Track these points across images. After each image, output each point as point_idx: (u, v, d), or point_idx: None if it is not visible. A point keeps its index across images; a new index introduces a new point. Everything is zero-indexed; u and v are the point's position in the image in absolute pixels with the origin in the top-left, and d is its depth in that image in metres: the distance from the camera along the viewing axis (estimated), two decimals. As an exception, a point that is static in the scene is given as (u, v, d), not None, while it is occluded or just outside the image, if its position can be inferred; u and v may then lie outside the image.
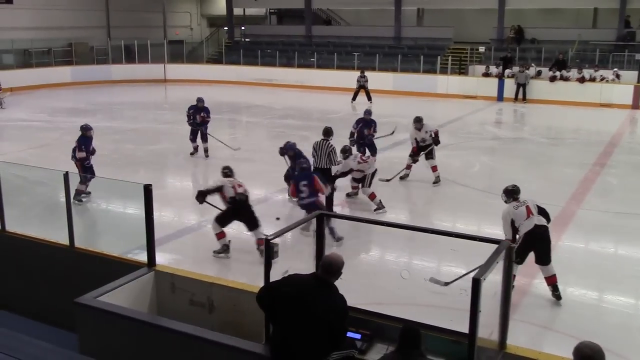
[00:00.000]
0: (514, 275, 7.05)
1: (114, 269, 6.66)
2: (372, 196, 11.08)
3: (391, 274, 8.01)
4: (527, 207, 7.52)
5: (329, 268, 4.44)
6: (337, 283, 4.48)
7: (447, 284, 7.17)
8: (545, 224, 7.50)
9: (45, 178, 10.92)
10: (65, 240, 7.38)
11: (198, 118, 14.90)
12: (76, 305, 5.69)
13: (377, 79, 26.61)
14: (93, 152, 11.35)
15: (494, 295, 4.65)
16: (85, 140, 11.27)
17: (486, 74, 27.14)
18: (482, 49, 29.46)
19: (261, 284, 4.82)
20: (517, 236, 7.54)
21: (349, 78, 26.64)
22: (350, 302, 4.57)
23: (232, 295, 6.03)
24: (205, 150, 15.05)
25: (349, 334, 4.67)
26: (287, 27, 38.70)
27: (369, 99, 24.60)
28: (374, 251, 9.61)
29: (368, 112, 13.88)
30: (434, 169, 12.70)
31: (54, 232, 7.81)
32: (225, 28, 38.09)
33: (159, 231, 7.06)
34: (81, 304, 5.68)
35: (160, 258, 6.96)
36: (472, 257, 4.89)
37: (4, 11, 29.25)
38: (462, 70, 29.02)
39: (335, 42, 33.41)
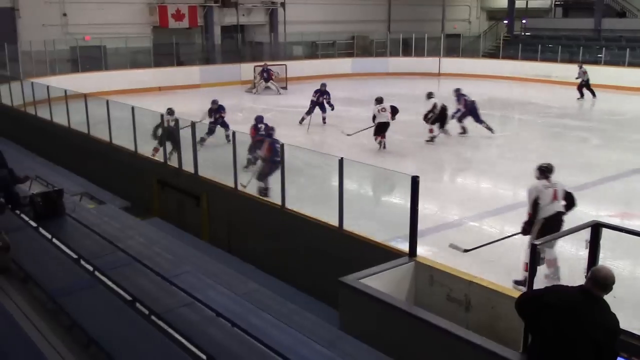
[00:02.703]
0: (555, 259, 7.21)
1: (376, 254, 6.91)
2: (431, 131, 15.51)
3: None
4: (555, 191, 7.37)
5: (602, 282, 4.03)
6: (609, 301, 4.06)
7: (466, 250, 7.28)
8: (564, 210, 7.35)
9: (321, 162, 11.75)
10: (334, 222, 7.85)
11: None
12: (340, 284, 6.02)
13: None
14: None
15: None
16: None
17: None
18: None
19: (523, 289, 4.58)
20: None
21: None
22: (623, 324, 4.11)
23: (491, 296, 5.85)
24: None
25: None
26: (573, 20, 36.17)
27: (586, 94, 23.18)
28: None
29: (324, 85, 18.73)
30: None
31: (324, 213, 8.37)
32: (505, 21, 36.99)
33: (420, 223, 7.14)
34: (344, 284, 5.99)
35: (420, 249, 7.03)
36: None
37: (297, 6, 32.25)
38: None
39: (629, 37, 30.33)
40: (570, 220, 8.50)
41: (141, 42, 26.93)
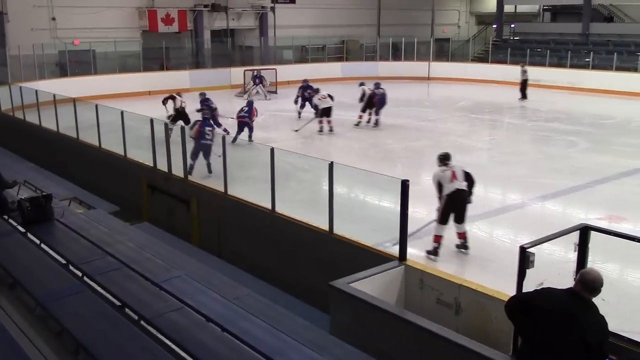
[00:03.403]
0: (440, 237, 8.23)
1: (366, 258, 6.91)
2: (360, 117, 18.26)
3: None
4: (453, 172, 8.34)
5: (591, 285, 4.06)
6: (598, 303, 4.08)
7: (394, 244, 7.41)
8: (465, 188, 8.27)
9: (311, 166, 11.75)
10: (325, 226, 7.84)
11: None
12: (330, 288, 6.01)
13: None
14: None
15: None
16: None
17: None
18: None
19: (513, 292, 4.61)
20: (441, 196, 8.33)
21: (630, 80, 24.20)
22: (612, 326, 4.13)
23: (481, 300, 5.87)
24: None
25: (609, 362, 4.24)
26: (562, 24, 36.41)
27: (523, 96, 24.23)
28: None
29: (305, 81, 19.99)
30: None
31: (315, 217, 8.36)
32: (494, 26, 37.20)
33: (411, 226, 7.16)
34: (335, 288, 5.99)
35: (410, 253, 7.04)
36: None
37: (287, 11, 32.31)
38: None
39: (616, 41, 30.58)
40: (559, 223, 8.56)
41: (130, 46, 26.82)
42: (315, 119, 17.42)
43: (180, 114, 15.93)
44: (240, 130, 15.21)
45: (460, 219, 8.32)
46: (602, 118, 20.99)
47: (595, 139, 16.80)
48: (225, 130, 16.48)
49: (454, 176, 8.35)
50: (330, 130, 17.25)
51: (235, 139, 14.77)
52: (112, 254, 6.41)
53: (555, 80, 28.35)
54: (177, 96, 16.54)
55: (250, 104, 15.84)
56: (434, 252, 8.25)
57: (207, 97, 16.74)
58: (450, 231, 8.46)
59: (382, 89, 18.53)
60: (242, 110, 15.52)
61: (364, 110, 18.31)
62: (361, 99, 18.30)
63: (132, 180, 12.70)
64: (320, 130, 17.21)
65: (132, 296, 5.33)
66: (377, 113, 18.31)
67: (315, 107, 17.64)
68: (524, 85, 24.49)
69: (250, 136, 15.27)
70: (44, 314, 5.07)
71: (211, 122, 13.09)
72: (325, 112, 17.19)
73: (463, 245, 8.46)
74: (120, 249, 6.64)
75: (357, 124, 18.28)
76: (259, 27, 32.38)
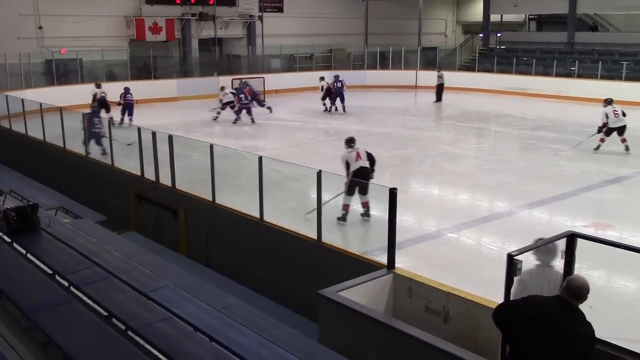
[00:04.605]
0: (348, 205, 9.72)
1: (355, 266, 6.91)
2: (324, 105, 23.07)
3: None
4: (357, 153, 10.02)
5: (577, 292, 4.08)
6: (584, 310, 4.10)
7: (308, 213, 8.59)
8: (368, 166, 9.97)
9: (299, 174, 11.75)
10: (313, 234, 7.83)
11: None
12: (319, 297, 6.00)
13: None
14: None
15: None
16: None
17: None
18: None
19: (500, 299, 4.62)
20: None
21: (615, 89, 24.35)
22: (599, 333, 4.15)
23: (469, 307, 5.88)
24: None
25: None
26: (547, 33, 36.75)
27: (438, 99, 26.54)
28: (633, 281, 8.62)
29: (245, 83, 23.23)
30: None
31: (303, 226, 8.36)
32: (481, 35, 37.48)
33: (399, 235, 7.17)
34: (323, 296, 5.98)
35: (399, 261, 7.04)
36: None
37: (274, 20, 32.40)
38: None
39: (601, 50, 30.89)
40: (546, 231, 8.61)
41: (118, 55, 26.75)
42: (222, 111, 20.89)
43: (101, 104, 18.34)
44: (248, 113, 20.38)
45: (363, 191, 9.77)
46: (587, 126, 21.10)
47: (580, 147, 16.92)
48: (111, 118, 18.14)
49: (358, 156, 9.99)
50: (235, 122, 20.52)
51: (253, 120, 20.40)
52: (99, 263, 6.35)
53: (541, 89, 28.62)
54: (97, 89, 19.78)
55: (240, 90, 20.62)
56: (342, 219, 9.77)
57: (103, 93, 19.68)
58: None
59: (339, 82, 22.42)
60: (240, 98, 20.34)
61: (324, 99, 22.61)
62: (321, 90, 22.51)
63: (119, 189, 12.64)
64: (234, 122, 20.42)
65: (119, 306, 5.28)
66: (333, 102, 22.53)
67: (220, 101, 21.23)
68: (439, 89, 26.77)
69: (252, 119, 20.36)
70: (29, 324, 5.02)
71: (99, 114, 15.95)
72: (229, 104, 20.95)
73: (366, 214, 9.92)
74: (107, 259, 6.59)
75: (326, 110, 22.75)
76: (247, 36, 32.44)
